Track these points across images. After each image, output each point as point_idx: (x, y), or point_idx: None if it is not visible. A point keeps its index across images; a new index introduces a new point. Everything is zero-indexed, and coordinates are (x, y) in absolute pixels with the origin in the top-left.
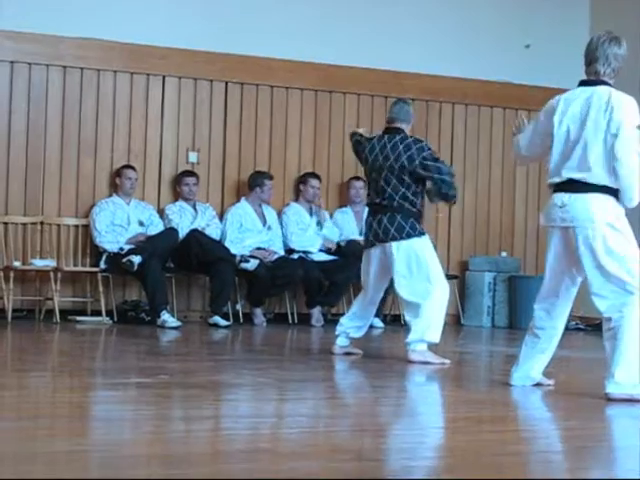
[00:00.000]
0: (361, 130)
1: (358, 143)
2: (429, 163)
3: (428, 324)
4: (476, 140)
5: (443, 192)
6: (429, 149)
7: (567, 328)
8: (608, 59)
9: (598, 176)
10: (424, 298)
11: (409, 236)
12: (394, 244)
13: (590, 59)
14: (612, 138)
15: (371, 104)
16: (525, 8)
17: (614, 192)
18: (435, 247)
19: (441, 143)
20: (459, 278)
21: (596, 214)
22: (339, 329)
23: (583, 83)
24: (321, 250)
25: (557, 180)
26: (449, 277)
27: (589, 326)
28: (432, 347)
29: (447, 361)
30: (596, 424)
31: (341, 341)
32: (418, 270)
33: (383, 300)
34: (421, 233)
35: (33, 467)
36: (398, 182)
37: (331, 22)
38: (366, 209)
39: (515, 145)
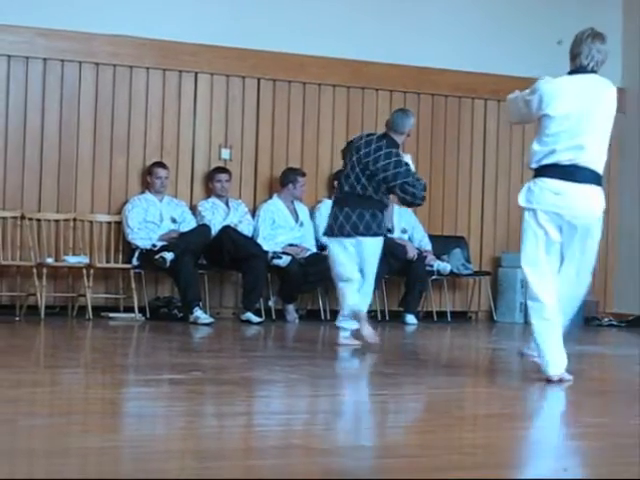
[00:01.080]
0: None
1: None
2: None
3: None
4: (509, 136)
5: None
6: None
7: (600, 325)
8: (591, 53)
9: (598, 164)
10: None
11: (377, 235)
12: (371, 239)
13: (575, 53)
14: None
15: (403, 100)
16: (557, 3)
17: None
18: (465, 242)
19: (474, 139)
20: (491, 275)
21: (595, 208)
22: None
23: (574, 72)
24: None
25: (551, 162)
26: (482, 274)
27: (622, 322)
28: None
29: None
30: (630, 421)
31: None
32: (373, 265)
33: (417, 297)
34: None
35: (66, 462)
36: (373, 182)
37: (363, 18)
38: (394, 206)
39: (508, 108)
